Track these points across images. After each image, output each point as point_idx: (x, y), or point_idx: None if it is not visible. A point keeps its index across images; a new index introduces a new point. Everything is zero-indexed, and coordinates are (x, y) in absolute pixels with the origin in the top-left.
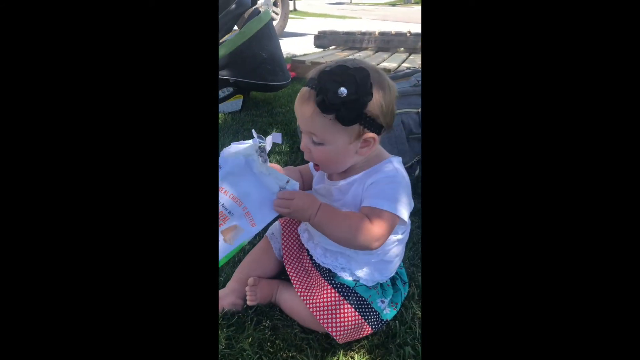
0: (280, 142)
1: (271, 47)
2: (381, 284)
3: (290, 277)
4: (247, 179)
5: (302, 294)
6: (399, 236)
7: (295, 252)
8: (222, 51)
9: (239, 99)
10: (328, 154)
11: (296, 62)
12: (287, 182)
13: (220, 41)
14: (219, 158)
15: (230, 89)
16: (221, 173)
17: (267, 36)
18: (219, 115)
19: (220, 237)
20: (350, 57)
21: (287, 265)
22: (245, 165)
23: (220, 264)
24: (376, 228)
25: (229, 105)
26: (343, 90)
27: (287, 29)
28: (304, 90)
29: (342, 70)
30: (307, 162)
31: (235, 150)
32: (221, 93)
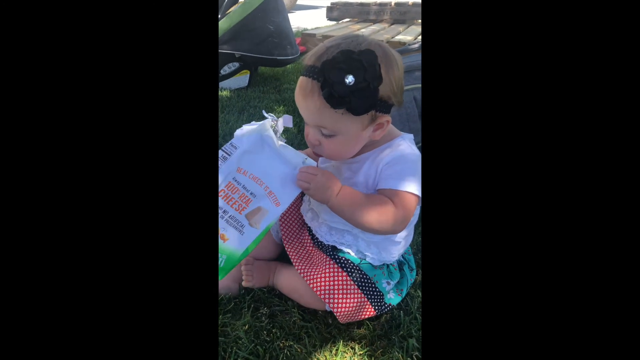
0: (291, 125)
1: (278, 20)
2: (387, 266)
3: (289, 254)
4: (265, 157)
5: (301, 270)
6: None
7: (295, 232)
8: (226, 24)
9: (246, 75)
10: (341, 144)
11: (306, 36)
12: (305, 159)
13: (226, 12)
14: (233, 139)
15: (237, 64)
16: (237, 153)
17: (274, 8)
18: (225, 92)
19: (246, 222)
20: (348, 33)
21: (287, 244)
22: (262, 142)
23: (249, 250)
24: (401, 211)
25: (235, 81)
26: (351, 79)
27: (300, 1)
28: (304, 81)
29: (346, 57)
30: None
31: (248, 130)
32: (227, 68)
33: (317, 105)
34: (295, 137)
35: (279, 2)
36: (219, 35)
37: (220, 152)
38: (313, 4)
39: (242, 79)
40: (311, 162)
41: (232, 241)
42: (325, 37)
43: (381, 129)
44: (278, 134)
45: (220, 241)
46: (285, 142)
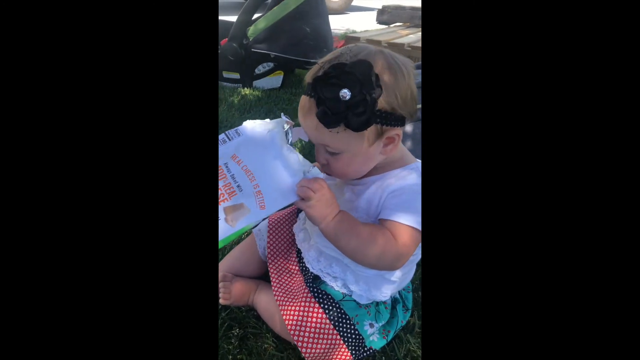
0: (307, 139)
1: (317, 22)
2: (377, 304)
3: (270, 275)
4: (266, 153)
5: (278, 296)
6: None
7: (281, 252)
8: (263, 23)
9: (279, 76)
10: (348, 162)
11: (351, 39)
12: (311, 169)
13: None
14: (240, 126)
15: (271, 65)
16: (238, 140)
17: (314, 9)
18: (256, 92)
19: (222, 216)
20: (349, 45)
21: (270, 264)
22: (267, 137)
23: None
24: (401, 246)
25: (268, 82)
26: (345, 93)
27: (355, 2)
28: (304, 100)
29: (337, 70)
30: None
31: (259, 123)
32: (261, 68)
33: (315, 123)
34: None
35: (320, 4)
36: (256, 35)
37: (222, 136)
38: (369, 6)
39: (275, 80)
40: (316, 171)
41: None
42: (369, 41)
43: (392, 143)
44: (289, 141)
45: None
46: (295, 149)
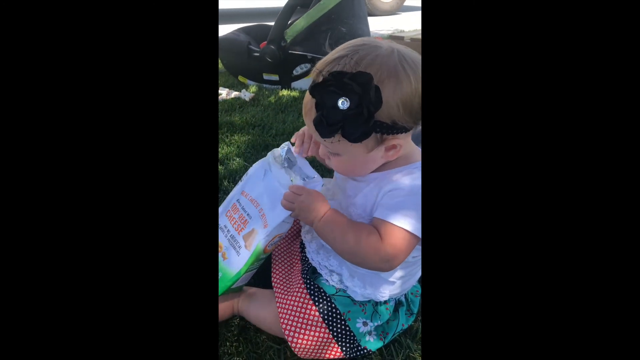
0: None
1: (354, 22)
2: (377, 304)
3: (272, 262)
4: (264, 180)
5: (276, 286)
6: (409, 258)
7: (286, 239)
8: (300, 26)
9: None
10: (347, 163)
11: (394, 39)
12: (292, 178)
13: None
14: (250, 168)
15: (309, 66)
16: (245, 179)
17: (349, 10)
18: (294, 93)
19: (242, 243)
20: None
21: (274, 255)
22: (265, 166)
23: (240, 274)
24: (388, 247)
25: (307, 82)
26: (343, 103)
27: (409, 2)
28: (307, 96)
29: (336, 79)
30: None
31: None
32: (299, 69)
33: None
34: None
35: (356, 4)
36: (293, 37)
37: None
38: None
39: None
40: (311, 183)
41: (229, 261)
42: (414, 40)
43: (394, 149)
44: (285, 159)
45: (220, 258)
46: (294, 163)
